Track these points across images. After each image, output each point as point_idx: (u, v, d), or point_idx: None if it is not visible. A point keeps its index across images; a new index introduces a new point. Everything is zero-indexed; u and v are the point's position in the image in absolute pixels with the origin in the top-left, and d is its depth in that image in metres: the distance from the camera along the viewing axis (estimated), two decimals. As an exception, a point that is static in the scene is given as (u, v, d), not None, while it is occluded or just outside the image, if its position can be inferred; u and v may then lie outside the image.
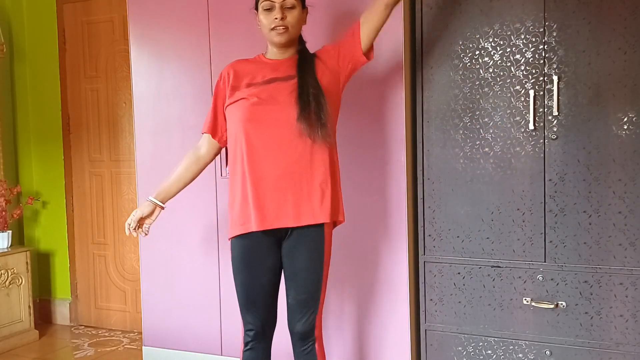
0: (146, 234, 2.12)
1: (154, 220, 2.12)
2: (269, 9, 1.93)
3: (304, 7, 2.00)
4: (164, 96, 2.89)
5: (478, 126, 2.32)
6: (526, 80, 2.24)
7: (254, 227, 1.91)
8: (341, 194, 2.04)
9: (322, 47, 2.08)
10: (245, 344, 2.06)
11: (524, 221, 2.27)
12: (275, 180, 1.91)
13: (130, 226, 2.06)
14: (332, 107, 1.99)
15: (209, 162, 2.15)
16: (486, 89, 2.30)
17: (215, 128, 2.08)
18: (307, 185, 1.92)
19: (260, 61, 2.04)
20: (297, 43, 2.04)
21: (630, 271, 2.13)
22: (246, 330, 2.05)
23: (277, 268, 2.01)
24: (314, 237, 1.96)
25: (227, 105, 2.01)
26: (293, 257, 1.97)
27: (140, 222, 2.09)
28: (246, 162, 1.93)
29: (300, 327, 1.98)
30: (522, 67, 2.24)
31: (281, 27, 1.92)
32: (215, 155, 2.14)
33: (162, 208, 2.12)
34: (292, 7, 1.93)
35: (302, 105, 1.89)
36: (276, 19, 1.91)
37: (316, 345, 2.01)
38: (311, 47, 2.10)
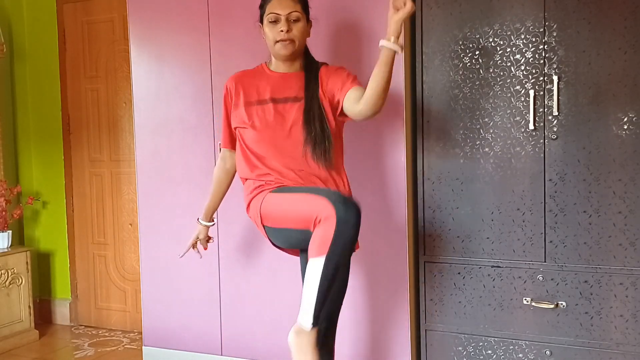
0: (205, 248, 2.40)
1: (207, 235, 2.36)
2: (275, 22, 1.93)
3: (308, 20, 2.01)
4: (164, 96, 2.89)
5: (478, 126, 2.32)
6: (526, 80, 2.24)
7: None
8: None
9: (329, 67, 2.05)
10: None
11: (524, 221, 2.27)
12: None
13: (196, 247, 2.36)
14: (337, 127, 2.00)
15: (236, 171, 2.18)
16: (486, 89, 2.30)
17: (234, 141, 2.11)
18: None
19: (264, 73, 2.04)
20: (303, 57, 2.04)
21: (630, 271, 2.13)
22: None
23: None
24: None
25: (236, 127, 2.03)
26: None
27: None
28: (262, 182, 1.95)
29: (327, 342, 1.95)
30: (522, 67, 2.24)
31: (287, 41, 1.92)
32: None
33: (213, 224, 2.33)
34: (298, 20, 1.94)
35: (307, 132, 1.91)
36: (282, 31, 1.91)
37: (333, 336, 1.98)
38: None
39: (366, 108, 1.84)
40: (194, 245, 2.35)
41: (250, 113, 1.98)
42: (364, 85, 1.93)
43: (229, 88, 2.06)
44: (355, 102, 1.88)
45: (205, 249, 2.39)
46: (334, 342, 2.02)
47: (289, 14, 1.92)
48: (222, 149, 2.19)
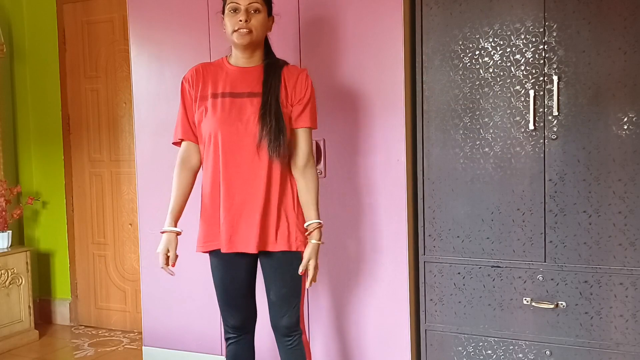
0: (174, 265, 2.05)
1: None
2: (234, 11, 1.92)
3: (270, 14, 2.00)
4: (164, 96, 2.89)
5: (478, 126, 2.32)
6: (526, 80, 2.24)
7: (223, 248, 1.95)
8: (301, 221, 2.02)
9: (292, 69, 2.02)
10: (227, 339, 2.08)
11: (524, 221, 2.27)
12: (244, 201, 1.93)
13: (169, 266, 2.02)
14: (289, 128, 1.98)
15: (200, 167, 2.12)
16: (486, 89, 2.30)
17: (195, 133, 2.05)
18: (272, 210, 1.94)
19: (223, 67, 2.02)
20: (263, 52, 2.02)
21: (630, 271, 2.13)
22: (226, 327, 2.07)
23: (254, 263, 2.04)
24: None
25: (197, 121, 2.01)
26: (271, 258, 1.99)
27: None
28: (215, 178, 1.96)
29: (285, 320, 1.99)
30: (522, 67, 2.24)
31: (244, 30, 1.91)
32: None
33: (180, 233, 2.04)
34: (258, 11, 1.93)
35: (263, 126, 1.90)
36: (240, 20, 1.90)
37: (302, 338, 2.03)
38: (280, 56, 2.09)
39: (295, 168, 2.00)
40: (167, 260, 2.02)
41: (207, 107, 1.96)
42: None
43: (189, 79, 2.03)
44: (300, 155, 1.99)
45: (174, 265, 2.03)
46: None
47: (249, 4, 1.91)
48: (183, 143, 2.06)
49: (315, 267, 1.97)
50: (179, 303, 2.91)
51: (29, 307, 3.52)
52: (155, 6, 2.87)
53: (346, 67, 2.48)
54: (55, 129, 3.82)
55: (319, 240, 1.98)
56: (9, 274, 3.40)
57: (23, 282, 3.48)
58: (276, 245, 1.95)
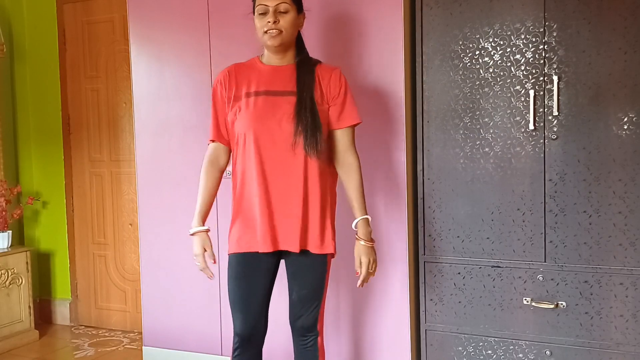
0: (215, 261, 2.03)
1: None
2: (263, 13, 1.93)
3: (300, 11, 1.99)
4: (164, 96, 2.89)
5: (478, 126, 2.32)
6: (526, 80, 2.24)
7: (264, 247, 1.92)
8: (333, 221, 2.02)
9: (325, 67, 2.02)
10: (234, 350, 2.04)
11: (524, 221, 2.27)
12: (281, 200, 1.91)
13: (206, 268, 2.00)
14: (325, 125, 1.98)
15: (226, 167, 2.11)
16: (486, 89, 2.30)
17: (227, 135, 2.04)
18: (311, 208, 1.94)
19: (256, 67, 2.02)
20: (295, 49, 2.02)
21: (630, 271, 2.13)
22: (235, 335, 2.03)
23: (274, 270, 2.02)
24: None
25: (230, 121, 2.00)
26: (297, 259, 1.97)
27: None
28: (249, 177, 1.93)
29: (303, 321, 1.98)
30: (522, 67, 2.24)
31: (274, 31, 1.91)
32: (230, 159, 2.10)
33: (209, 230, 2.03)
34: (286, 12, 1.93)
35: (298, 123, 1.90)
36: (269, 22, 1.91)
37: (318, 340, 2.01)
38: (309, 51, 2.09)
39: (337, 168, 2.03)
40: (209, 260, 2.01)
41: (240, 106, 1.96)
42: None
43: (222, 81, 2.02)
44: (339, 154, 2.00)
45: (215, 262, 2.02)
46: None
47: (277, 5, 1.91)
48: (213, 144, 2.05)
49: (369, 265, 1.96)
50: (179, 303, 2.91)
51: (29, 307, 3.52)
52: (155, 6, 2.87)
53: (346, 67, 2.47)
54: (55, 129, 3.82)
55: (368, 240, 1.97)
56: (9, 274, 3.40)
57: (23, 282, 3.48)
58: (314, 245, 1.94)
